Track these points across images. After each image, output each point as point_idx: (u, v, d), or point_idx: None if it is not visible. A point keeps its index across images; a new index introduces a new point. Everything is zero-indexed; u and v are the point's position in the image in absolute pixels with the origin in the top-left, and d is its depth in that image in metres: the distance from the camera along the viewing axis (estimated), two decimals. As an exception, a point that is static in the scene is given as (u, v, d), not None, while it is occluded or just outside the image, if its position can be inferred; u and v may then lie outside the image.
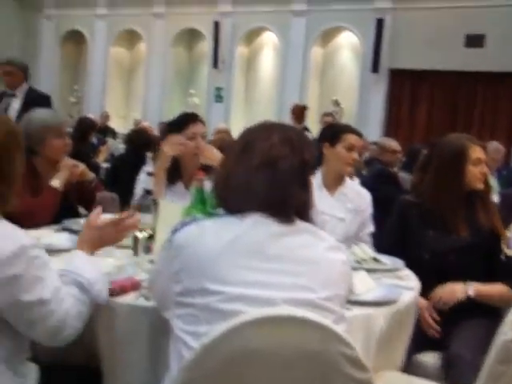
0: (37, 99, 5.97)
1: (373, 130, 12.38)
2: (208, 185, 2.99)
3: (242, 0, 14.41)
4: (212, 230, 1.68)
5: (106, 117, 13.39)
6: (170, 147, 3.31)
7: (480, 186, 3.00)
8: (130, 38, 16.87)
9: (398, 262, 2.81)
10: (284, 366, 1.43)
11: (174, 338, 1.65)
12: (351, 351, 1.43)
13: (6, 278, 1.74)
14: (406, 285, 2.49)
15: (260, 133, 1.78)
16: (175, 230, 1.77)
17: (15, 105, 6.02)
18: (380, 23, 12.70)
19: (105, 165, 8.16)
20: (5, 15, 17.37)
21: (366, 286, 2.25)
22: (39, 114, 3.51)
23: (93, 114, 12.37)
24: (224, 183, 1.75)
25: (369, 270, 2.62)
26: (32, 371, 1.95)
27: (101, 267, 2.08)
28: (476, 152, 2.97)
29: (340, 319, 1.63)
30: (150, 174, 3.10)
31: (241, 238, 1.62)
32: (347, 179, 3.56)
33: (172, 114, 12.73)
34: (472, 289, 2.72)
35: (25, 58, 17.12)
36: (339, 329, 1.47)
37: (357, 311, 2.00)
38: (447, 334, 2.69)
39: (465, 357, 2.53)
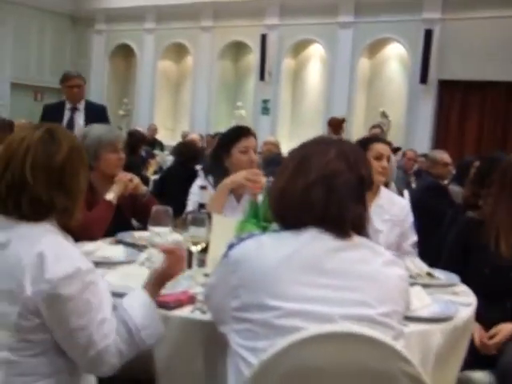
0: (96, 112, 6.10)
1: (422, 142, 12.36)
2: (259, 198, 3.10)
3: (288, 12, 14.40)
4: (269, 245, 1.67)
5: (153, 129, 13.54)
6: (244, 179, 3.26)
7: None
8: (178, 51, 16.96)
9: (453, 278, 2.78)
10: (343, 383, 1.41)
11: (232, 352, 1.64)
12: (412, 369, 1.41)
13: (58, 297, 1.73)
14: (462, 301, 2.45)
15: (316, 148, 1.77)
16: (232, 246, 1.76)
17: (79, 119, 6.03)
18: (428, 34, 12.57)
19: (153, 177, 8.16)
20: (59, 31, 17.68)
21: (421, 301, 2.22)
22: (95, 129, 3.53)
23: (141, 127, 12.71)
24: (280, 198, 1.74)
25: (424, 286, 2.56)
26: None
27: (156, 313, 2.03)
28: None
29: (399, 335, 1.62)
30: (202, 187, 3.08)
31: (298, 253, 1.61)
32: (382, 189, 3.53)
33: (219, 126, 13.05)
34: None
35: (77, 72, 17.71)
36: (400, 346, 1.45)
37: (413, 327, 1.98)
38: (499, 352, 2.62)
39: None
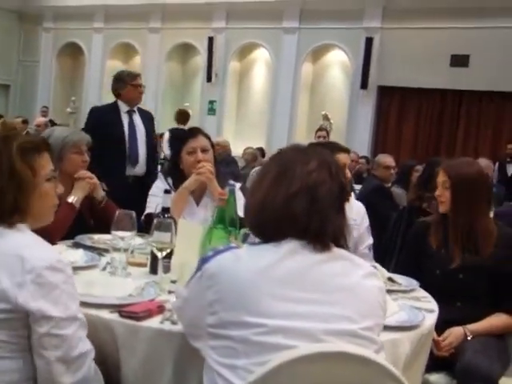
0: (147, 118, 5.70)
1: (361, 144, 12.49)
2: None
3: (235, 16, 14.46)
4: (247, 258, 1.61)
5: None
6: (200, 176, 3.27)
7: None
8: (126, 51, 16.88)
9: (412, 283, 2.77)
10: None
11: (208, 368, 1.58)
12: None
13: (43, 284, 1.67)
14: (426, 307, 2.44)
15: (296, 157, 1.69)
16: (207, 259, 1.68)
17: (139, 123, 5.56)
18: (369, 42, 12.76)
19: None
20: (5, 27, 17.38)
21: (389, 308, 2.13)
22: (58, 130, 3.45)
23: None
24: (260, 210, 1.66)
25: (387, 291, 2.50)
26: None
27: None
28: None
29: (380, 348, 1.58)
30: (167, 191, 2.96)
31: (278, 267, 1.54)
32: None
33: (166, 125, 12.95)
34: (469, 332, 2.68)
35: (23, 70, 17.52)
36: (388, 364, 1.40)
37: (384, 336, 1.86)
38: (451, 355, 2.64)
39: (481, 365, 2.48)
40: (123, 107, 5.47)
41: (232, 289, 1.54)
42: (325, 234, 1.59)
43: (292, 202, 1.59)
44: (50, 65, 17.64)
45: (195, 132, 3.52)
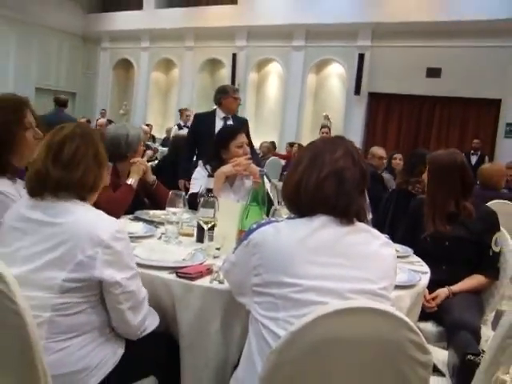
0: (239, 120, 5.52)
1: (355, 139, 12.04)
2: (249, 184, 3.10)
3: (254, 37, 14.33)
4: (285, 230, 1.56)
5: (149, 126, 13.31)
6: (232, 168, 3.22)
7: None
8: (167, 65, 16.81)
9: (408, 250, 2.74)
10: (360, 350, 1.33)
11: (254, 320, 1.55)
12: (417, 337, 1.33)
13: (111, 254, 1.65)
14: (421, 269, 2.43)
15: (326, 146, 1.64)
16: (251, 231, 1.65)
17: None
18: (361, 57, 12.68)
19: (149, 164, 8.01)
20: (73, 47, 17.54)
21: None
22: (134, 129, 3.40)
23: (138, 124, 12.61)
24: (295, 189, 1.61)
25: None
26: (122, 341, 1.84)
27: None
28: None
29: (393, 304, 1.55)
30: (210, 175, 2.97)
31: (311, 237, 1.51)
32: None
33: None
34: (451, 293, 2.68)
35: (86, 81, 17.52)
36: (406, 317, 1.35)
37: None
38: (438, 309, 2.63)
39: (467, 319, 2.45)
40: (220, 114, 5.34)
41: (273, 255, 1.51)
42: (350, 211, 1.56)
43: (322, 184, 1.56)
44: (107, 76, 17.67)
45: (241, 130, 3.49)
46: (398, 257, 2.59)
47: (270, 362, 1.33)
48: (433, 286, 2.60)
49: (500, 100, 11.45)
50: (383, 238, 1.64)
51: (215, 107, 5.48)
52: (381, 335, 1.32)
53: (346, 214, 1.56)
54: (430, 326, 2.67)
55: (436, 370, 2.05)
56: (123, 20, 16.80)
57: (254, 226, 1.69)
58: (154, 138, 13.09)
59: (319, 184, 1.56)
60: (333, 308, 1.30)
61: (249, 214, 2.26)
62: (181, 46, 15.79)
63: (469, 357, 1.97)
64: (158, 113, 16.85)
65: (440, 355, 2.22)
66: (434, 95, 12.12)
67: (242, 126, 3.91)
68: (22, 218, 1.74)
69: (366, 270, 1.52)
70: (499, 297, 2.86)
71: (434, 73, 11.99)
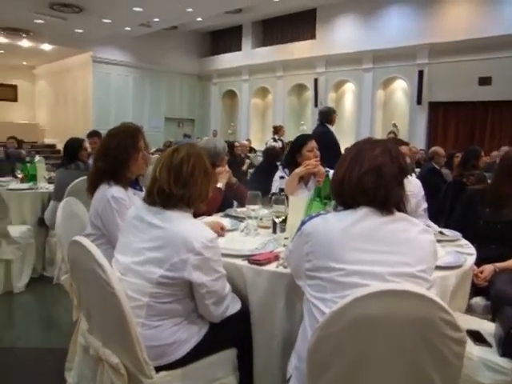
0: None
1: (419, 141, 12.38)
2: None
3: (331, 63, 14.52)
4: (332, 220, 1.48)
5: (249, 140, 13.95)
6: (303, 168, 3.20)
7: None
8: (263, 92, 17.26)
9: (457, 234, 2.57)
10: (396, 329, 1.25)
11: (306, 300, 1.48)
12: (449, 316, 1.23)
13: (201, 260, 1.61)
14: (468, 251, 2.28)
15: (366, 145, 1.56)
16: (304, 222, 1.59)
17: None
18: (421, 73, 12.59)
19: (250, 170, 8.35)
20: (191, 85, 18.58)
21: (439, 253, 1.85)
22: (220, 142, 3.44)
23: (242, 139, 13.26)
24: (340, 184, 1.54)
25: (438, 241, 2.22)
26: (206, 322, 1.78)
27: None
28: None
29: (431, 286, 1.44)
30: (281, 177, 2.96)
31: (354, 227, 1.43)
32: None
33: (290, 138, 13.31)
34: (497, 268, 2.54)
35: (201, 109, 18.30)
36: (438, 298, 1.24)
37: (436, 274, 1.74)
38: (487, 285, 2.49)
39: (508, 291, 2.32)
40: (332, 128, 6.06)
41: (322, 243, 1.45)
42: (389, 202, 1.47)
43: (362, 178, 1.48)
44: (217, 105, 18.35)
45: (311, 137, 3.47)
46: (447, 240, 2.46)
47: (315, 336, 1.28)
48: (481, 263, 2.47)
49: (546, 100, 10.66)
50: (421, 225, 1.53)
51: (326, 124, 6.11)
52: (414, 315, 1.24)
53: (385, 205, 1.47)
54: (479, 300, 2.52)
55: (483, 341, 1.94)
56: (228, 60, 17.50)
57: (307, 218, 1.66)
58: (254, 150, 13.45)
59: (360, 178, 1.49)
60: (368, 291, 1.23)
61: (312, 208, 2.21)
62: (273, 76, 16.19)
63: None
64: (258, 130, 17.23)
65: (487, 327, 2.07)
66: (486, 100, 11.76)
67: (311, 135, 3.98)
68: (138, 218, 1.77)
69: (404, 254, 1.42)
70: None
71: (485, 81, 11.68)
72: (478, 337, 1.98)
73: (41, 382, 2.72)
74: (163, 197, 1.72)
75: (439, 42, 12.24)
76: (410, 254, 1.44)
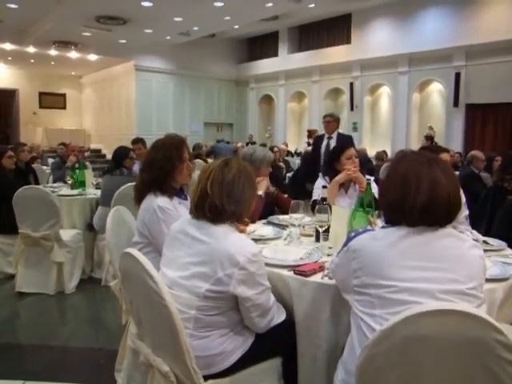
0: (345, 139, 5.76)
1: (456, 144, 12.09)
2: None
3: (366, 67, 14.36)
4: (380, 237, 1.44)
5: (286, 144, 14.00)
6: (343, 175, 3.20)
7: None
8: (299, 96, 17.19)
9: (502, 244, 2.47)
10: (449, 349, 1.19)
11: (354, 314, 1.45)
12: (504, 338, 1.16)
13: (245, 274, 1.58)
14: None
15: (416, 161, 1.49)
16: (351, 238, 1.56)
17: (332, 145, 5.68)
18: (457, 75, 12.27)
19: (288, 174, 8.17)
20: (229, 90, 18.68)
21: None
22: (260, 150, 3.39)
23: (279, 144, 13.21)
24: (393, 206, 1.47)
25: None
26: (252, 332, 1.76)
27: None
28: None
29: (482, 302, 1.38)
30: (324, 187, 2.87)
31: (402, 243, 1.39)
32: None
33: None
34: None
35: (239, 114, 18.43)
36: (491, 319, 1.18)
37: (484, 286, 1.58)
38: None
39: None
40: (326, 135, 5.91)
41: (370, 260, 1.41)
42: (441, 220, 1.43)
43: (415, 201, 1.42)
44: (255, 109, 18.40)
45: (349, 145, 3.44)
46: (491, 250, 2.36)
47: (364, 353, 1.25)
48: None
49: None
50: (470, 240, 1.48)
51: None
52: (467, 336, 1.18)
53: (436, 223, 1.42)
54: None
55: None
56: (264, 66, 17.53)
57: (353, 233, 1.62)
58: (292, 154, 13.51)
59: (412, 201, 1.43)
60: (420, 309, 1.18)
61: (355, 218, 2.18)
62: (308, 80, 16.12)
63: None
64: (294, 134, 17.17)
65: None
66: None
67: (350, 142, 3.82)
68: (182, 231, 1.76)
69: (454, 271, 1.37)
70: None
71: None
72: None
73: (92, 381, 2.78)
74: (215, 212, 1.71)
75: (476, 43, 11.96)
76: (459, 270, 1.39)
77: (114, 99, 17.40)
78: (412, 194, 1.43)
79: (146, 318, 1.71)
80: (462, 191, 3.14)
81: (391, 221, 1.51)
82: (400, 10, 13.44)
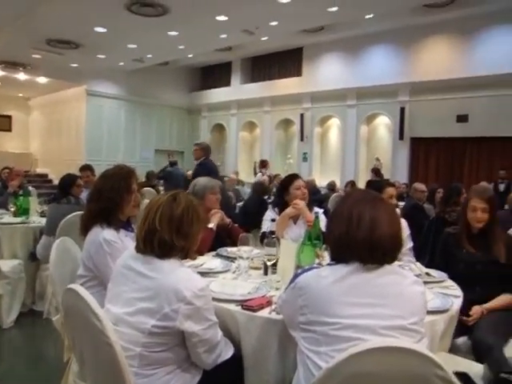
0: (205, 166, 6.18)
1: (401, 175, 12.56)
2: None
3: (316, 99, 14.69)
4: (325, 275, 1.45)
5: (236, 173, 13.67)
6: (292, 210, 3.22)
7: (478, 225, 2.72)
8: (250, 126, 17.32)
9: (443, 275, 2.55)
10: None
11: (300, 351, 1.45)
12: (444, 373, 1.19)
13: (191, 309, 1.55)
14: (454, 293, 2.24)
15: (359, 200, 1.52)
16: (298, 275, 1.55)
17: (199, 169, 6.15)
18: (402, 110, 12.80)
19: (238, 204, 8.07)
20: (180, 118, 18.53)
21: (427, 297, 1.78)
22: (202, 180, 3.41)
23: (230, 172, 13.29)
24: (337, 242, 1.50)
25: (424, 282, 2.19)
26: (199, 369, 1.72)
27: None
28: (473, 201, 2.75)
29: (423, 337, 1.41)
30: (273, 220, 2.92)
31: (347, 281, 1.40)
32: None
33: (277, 170, 13.28)
34: (485, 310, 2.51)
35: (190, 142, 17.45)
36: (433, 355, 1.21)
37: (425, 318, 1.60)
38: (472, 325, 2.43)
39: (486, 340, 2.26)
40: (196, 162, 6.23)
41: (315, 298, 1.41)
42: (383, 258, 1.46)
43: (358, 239, 1.46)
44: (207, 137, 18.03)
45: (298, 176, 3.47)
46: (433, 282, 2.43)
47: None
48: (468, 304, 2.42)
49: (519, 136, 11.02)
50: (412, 277, 1.51)
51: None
52: (409, 371, 1.20)
53: (378, 261, 1.45)
54: (465, 340, 2.46)
55: (470, 383, 1.90)
56: (217, 95, 17.60)
57: (300, 270, 1.62)
58: (242, 183, 13.21)
59: (354, 239, 1.46)
60: (363, 347, 1.20)
61: (303, 252, 2.18)
62: (260, 110, 16.33)
63: (502, 375, 1.82)
64: (246, 162, 17.25)
65: (474, 369, 2.02)
66: (464, 136, 12.00)
67: (296, 174, 3.61)
68: (127, 266, 1.72)
69: (396, 307, 1.39)
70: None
71: (462, 118, 11.95)
72: (465, 379, 1.94)
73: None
74: (164, 248, 1.68)
75: (419, 80, 12.53)
76: (401, 306, 1.42)
77: (63, 123, 16.96)
78: (354, 231, 1.46)
79: (88, 356, 1.64)
80: (406, 223, 3.27)
81: (337, 257, 1.53)
82: (349, 46, 13.94)
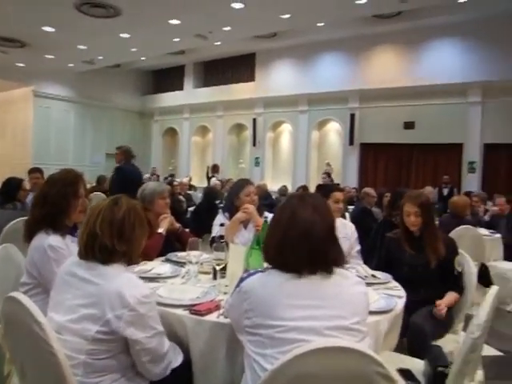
0: (122, 171, 6.34)
1: (351, 180, 12.82)
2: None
3: (269, 105, 14.83)
4: (269, 279, 1.47)
5: (189, 177, 13.78)
6: (242, 214, 3.20)
7: (413, 228, 2.83)
8: (203, 130, 17.26)
9: (388, 277, 2.60)
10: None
11: (247, 355, 1.45)
12: (383, 370, 1.23)
13: (135, 316, 1.52)
14: (398, 294, 2.29)
15: (298, 205, 1.54)
16: (243, 279, 1.56)
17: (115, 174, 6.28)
18: (352, 116, 13.07)
19: (190, 208, 7.91)
20: (132, 121, 18.24)
21: (372, 298, 1.97)
22: (151, 184, 3.36)
23: (182, 177, 13.17)
24: (275, 247, 1.51)
25: (370, 284, 2.41)
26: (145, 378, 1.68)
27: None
28: (406, 206, 2.85)
29: (365, 336, 1.43)
30: (222, 224, 2.90)
31: (289, 284, 1.42)
32: (337, 219, 3.17)
33: (230, 174, 13.31)
34: (444, 303, 2.58)
35: (142, 146, 17.77)
36: (374, 353, 1.24)
37: (369, 319, 1.67)
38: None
39: (423, 325, 2.39)
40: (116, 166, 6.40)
41: (259, 302, 1.43)
42: (326, 261, 1.48)
43: (296, 242, 1.47)
44: (158, 141, 18.21)
45: (249, 181, 3.44)
46: (378, 283, 2.49)
47: None
48: (414, 305, 2.50)
49: (462, 144, 11.75)
50: (354, 277, 1.54)
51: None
52: (351, 370, 1.23)
53: (320, 264, 1.47)
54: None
55: (414, 380, 1.98)
56: (169, 98, 17.46)
57: (245, 274, 1.63)
58: (194, 187, 13.16)
59: (293, 242, 1.48)
60: (306, 348, 1.22)
61: (252, 256, 2.17)
62: (213, 115, 16.30)
63: (439, 368, 1.89)
64: (198, 167, 17.17)
65: (418, 365, 2.10)
66: (411, 143, 12.41)
67: (248, 179, 3.73)
68: (70, 273, 1.67)
69: (338, 308, 1.42)
70: (469, 304, 2.77)
71: (409, 125, 12.39)
72: (408, 375, 2.02)
73: None
74: (105, 253, 1.64)
75: (368, 88, 12.84)
76: (343, 307, 1.44)
77: (9, 125, 16.32)
78: (289, 237, 1.47)
79: (30, 368, 1.58)
80: (354, 227, 3.39)
81: (277, 262, 1.53)
82: (301, 53, 14.16)
